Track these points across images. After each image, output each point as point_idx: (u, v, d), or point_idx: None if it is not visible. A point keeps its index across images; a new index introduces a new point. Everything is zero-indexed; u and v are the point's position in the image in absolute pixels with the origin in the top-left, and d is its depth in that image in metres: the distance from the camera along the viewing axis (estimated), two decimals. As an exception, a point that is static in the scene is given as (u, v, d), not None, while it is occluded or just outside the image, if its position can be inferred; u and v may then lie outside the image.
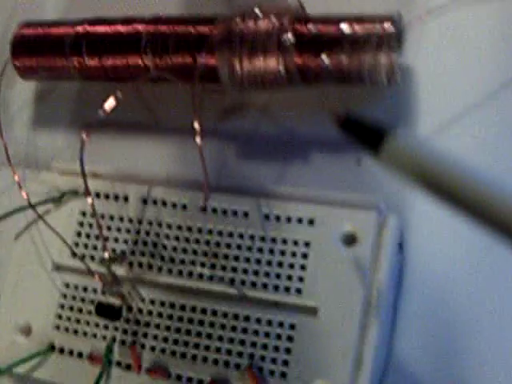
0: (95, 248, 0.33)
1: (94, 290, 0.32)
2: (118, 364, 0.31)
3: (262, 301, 0.29)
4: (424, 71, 0.31)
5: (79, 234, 0.33)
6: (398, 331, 0.29)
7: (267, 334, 0.29)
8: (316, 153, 0.32)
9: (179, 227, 0.31)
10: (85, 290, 0.32)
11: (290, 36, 0.30)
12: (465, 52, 0.31)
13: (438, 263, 0.29)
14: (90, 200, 0.31)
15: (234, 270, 0.30)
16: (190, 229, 0.31)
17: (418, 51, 0.31)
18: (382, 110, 0.31)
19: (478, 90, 0.30)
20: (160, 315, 0.31)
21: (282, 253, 0.30)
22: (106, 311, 0.31)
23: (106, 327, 0.31)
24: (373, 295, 0.28)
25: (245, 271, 0.30)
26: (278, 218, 0.30)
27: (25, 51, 0.36)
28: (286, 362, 0.28)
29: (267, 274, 0.30)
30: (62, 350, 0.32)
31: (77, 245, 0.33)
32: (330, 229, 0.29)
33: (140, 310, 0.31)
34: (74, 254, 0.33)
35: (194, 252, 0.31)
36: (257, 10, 0.31)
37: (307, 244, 0.29)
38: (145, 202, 0.32)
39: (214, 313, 0.30)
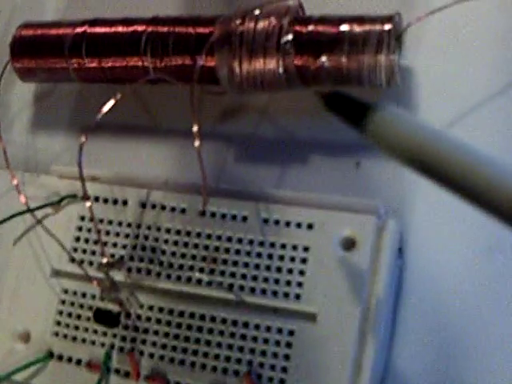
0: (94, 253, 0.32)
1: (93, 296, 0.32)
2: (117, 371, 0.31)
3: (261, 307, 0.29)
4: (424, 72, 0.31)
5: (78, 239, 0.33)
6: (398, 336, 0.29)
7: (266, 341, 0.29)
8: (315, 156, 0.32)
9: (178, 232, 0.31)
10: (83, 296, 0.32)
11: (289, 37, 0.30)
12: (464, 53, 0.31)
13: (438, 267, 0.29)
14: (88, 204, 0.31)
15: (233, 275, 0.30)
16: (188, 233, 0.31)
17: (418, 52, 0.31)
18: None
19: (477, 91, 0.30)
20: (158, 321, 0.31)
21: (281, 258, 0.29)
22: (104, 318, 0.31)
23: (105, 334, 0.31)
24: (372, 300, 0.28)
25: (243, 276, 0.30)
26: (276, 223, 0.30)
27: (24, 53, 0.36)
28: (284, 369, 0.28)
29: (266, 280, 0.29)
30: (60, 357, 0.32)
31: (75, 250, 0.33)
32: (329, 233, 0.29)
33: (138, 317, 0.31)
34: (72, 260, 0.33)
35: (193, 257, 0.31)
36: (256, 11, 0.31)
37: (306, 249, 0.29)
38: (143, 206, 0.32)
39: (213, 319, 0.30)
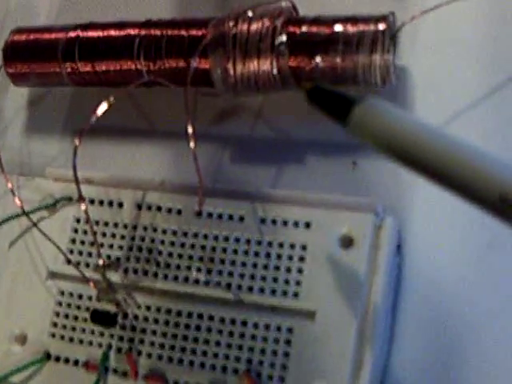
0: (90, 255, 0.32)
1: (89, 298, 0.32)
2: (115, 371, 0.31)
3: (259, 305, 0.29)
4: (418, 71, 0.31)
5: (74, 241, 0.33)
6: (397, 333, 0.29)
7: (265, 339, 0.29)
8: (311, 155, 0.32)
9: (174, 232, 0.31)
10: (80, 297, 0.32)
11: (283, 38, 0.30)
12: (459, 52, 0.31)
13: (437, 265, 0.29)
14: (83, 206, 0.31)
15: (231, 274, 0.30)
16: (185, 234, 0.31)
17: (413, 51, 0.31)
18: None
19: (472, 90, 0.30)
20: (156, 321, 0.30)
21: (279, 256, 0.29)
22: (101, 318, 0.31)
23: (102, 334, 0.31)
24: (371, 298, 0.28)
25: (241, 276, 0.30)
26: (274, 222, 0.30)
27: (17, 57, 0.36)
28: (284, 367, 0.28)
29: (264, 278, 0.29)
30: (57, 358, 0.32)
31: (71, 252, 0.33)
32: (327, 232, 0.29)
33: (136, 317, 0.31)
34: (68, 261, 0.32)
35: (190, 257, 0.31)
36: (249, 13, 0.31)
37: (304, 247, 0.29)
38: (139, 207, 0.32)
39: (211, 318, 0.30)
